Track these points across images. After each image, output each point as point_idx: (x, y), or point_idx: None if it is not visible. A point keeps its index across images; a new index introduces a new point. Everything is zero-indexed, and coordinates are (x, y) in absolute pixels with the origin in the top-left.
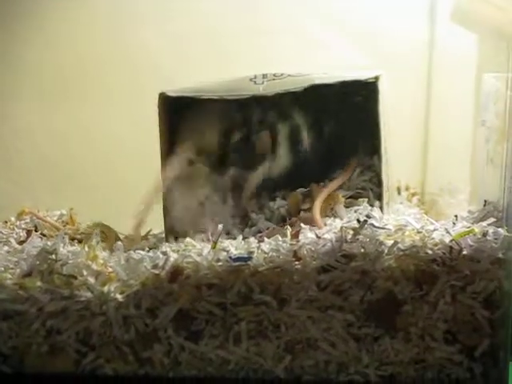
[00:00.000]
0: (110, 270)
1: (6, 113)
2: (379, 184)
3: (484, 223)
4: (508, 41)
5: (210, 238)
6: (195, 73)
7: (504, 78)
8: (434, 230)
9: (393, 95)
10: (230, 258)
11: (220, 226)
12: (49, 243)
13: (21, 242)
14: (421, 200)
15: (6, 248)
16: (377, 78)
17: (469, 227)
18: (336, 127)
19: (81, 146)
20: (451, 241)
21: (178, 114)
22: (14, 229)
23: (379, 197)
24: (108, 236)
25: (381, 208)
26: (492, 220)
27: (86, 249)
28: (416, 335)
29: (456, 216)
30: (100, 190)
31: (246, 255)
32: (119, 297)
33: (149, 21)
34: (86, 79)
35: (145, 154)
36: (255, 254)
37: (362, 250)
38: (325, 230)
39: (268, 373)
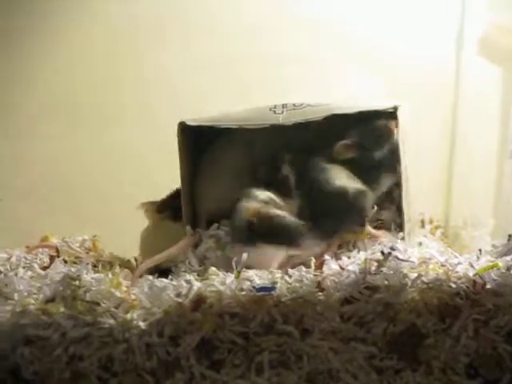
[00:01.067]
0: (134, 297)
1: (28, 138)
2: (400, 214)
3: (508, 258)
4: None
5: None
6: (213, 101)
7: None
8: (458, 263)
9: (417, 126)
10: (254, 287)
11: (245, 255)
12: (72, 269)
13: (44, 268)
14: (444, 233)
15: (29, 273)
16: (396, 108)
17: (493, 261)
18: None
19: (102, 172)
20: (475, 275)
21: (198, 143)
22: (37, 254)
23: (400, 227)
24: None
25: (402, 238)
26: None
27: (110, 276)
28: (438, 368)
29: (480, 250)
30: (122, 217)
31: (269, 285)
32: (142, 324)
33: (169, 47)
34: (109, 106)
35: (168, 182)
36: (279, 284)
37: (386, 282)
38: (348, 261)
39: None
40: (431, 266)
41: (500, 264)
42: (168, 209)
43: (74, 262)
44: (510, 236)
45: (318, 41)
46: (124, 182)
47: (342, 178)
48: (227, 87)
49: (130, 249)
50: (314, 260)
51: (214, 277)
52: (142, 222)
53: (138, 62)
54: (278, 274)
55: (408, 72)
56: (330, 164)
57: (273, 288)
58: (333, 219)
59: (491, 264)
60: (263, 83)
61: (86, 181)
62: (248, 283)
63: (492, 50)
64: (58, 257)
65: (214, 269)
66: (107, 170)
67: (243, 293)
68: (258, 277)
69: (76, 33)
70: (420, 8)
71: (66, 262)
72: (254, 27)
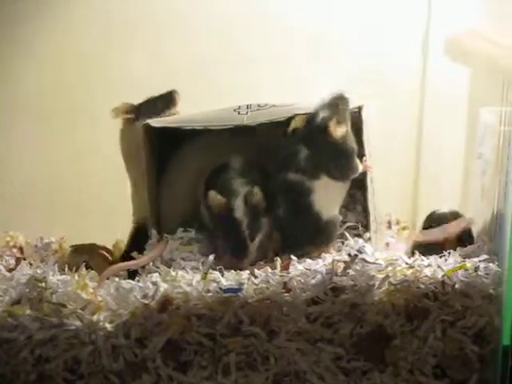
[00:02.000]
0: (100, 299)
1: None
2: (366, 215)
3: (476, 259)
4: (502, 75)
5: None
6: (184, 102)
7: (498, 113)
8: (426, 265)
9: (384, 127)
10: (221, 288)
11: (211, 257)
12: (38, 271)
13: (10, 270)
14: (413, 235)
15: None
16: (360, 108)
17: (460, 262)
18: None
19: (73, 174)
20: (443, 276)
21: (162, 144)
22: (2, 256)
23: (366, 228)
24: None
25: (369, 239)
26: (484, 256)
27: (76, 277)
28: (405, 369)
29: (449, 252)
30: (91, 216)
31: (236, 286)
32: (108, 326)
33: (139, 49)
34: (75, 106)
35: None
36: (245, 285)
37: (352, 283)
38: (316, 262)
39: None
40: (399, 268)
41: (468, 265)
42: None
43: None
44: (477, 237)
45: (286, 41)
46: (94, 184)
47: (319, 200)
48: (197, 88)
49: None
50: (279, 261)
51: (180, 278)
52: (113, 222)
53: (108, 65)
54: (245, 275)
55: (374, 72)
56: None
57: (239, 289)
58: (300, 238)
59: (459, 265)
60: (233, 84)
61: (57, 182)
62: (215, 284)
63: (459, 52)
64: (24, 259)
65: (180, 271)
66: (78, 172)
67: (210, 294)
68: (224, 278)
69: (46, 36)
70: (386, 8)
71: (31, 264)
72: (224, 28)
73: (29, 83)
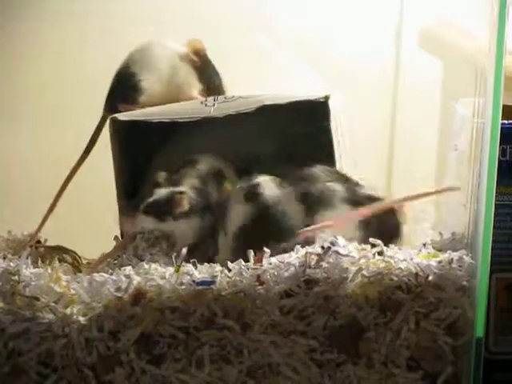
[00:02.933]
0: (73, 292)
1: None
2: None
3: (449, 251)
4: (475, 67)
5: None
6: None
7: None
8: (399, 257)
9: (356, 119)
10: (194, 281)
11: (184, 250)
12: (11, 264)
13: None
14: None
15: None
16: (327, 98)
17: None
18: (288, 148)
19: (44, 171)
20: (417, 264)
21: (130, 138)
22: None
23: None
24: (69, 260)
25: None
26: (459, 248)
27: (49, 270)
28: (379, 362)
29: (424, 244)
30: (64, 213)
31: (209, 279)
32: (82, 319)
33: (113, 44)
34: (44, 100)
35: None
36: (218, 278)
37: (325, 275)
38: (289, 255)
39: None
40: (372, 260)
41: (439, 255)
42: None
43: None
44: (453, 233)
45: (256, 33)
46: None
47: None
48: None
49: (73, 246)
50: (252, 253)
51: (153, 271)
52: (83, 218)
53: (82, 60)
54: (218, 268)
55: (346, 62)
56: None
57: (213, 282)
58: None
59: (432, 253)
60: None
61: (26, 179)
62: (188, 277)
63: (434, 44)
64: None
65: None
66: (48, 169)
67: (183, 287)
68: (197, 271)
69: (21, 32)
70: None
71: (4, 257)
72: (198, 22)
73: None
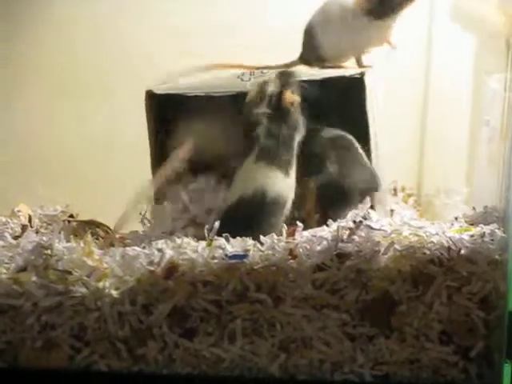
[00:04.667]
0: (106, 266)
1: (4, 109)
2: None
3: (482, 225)
4: (507, 42)
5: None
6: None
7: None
8: (432, 231)
9: (390, 94)
10: (226, 255)
11: (216, 224)
12: (44, 238)
13: (16, 237)
14: (417, 201)
15: (0, 243)
16: (362, 74)
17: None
18: (324, 123)
19: (75, 142)
20: (449, 237)
21: (165, 111)
22: (8, 223)
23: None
24: (102, 234)
25: (371, 207)
26: (491, 222)
27: (82, 244)
28: (411, 335)
29: (456, 218)
30: (95, 186)
31: (241, 253)
32: (114, 293)
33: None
34: (79, 77)
35: (138, 150)
36: (251, 252)
37: (357, 249)
38: (322, 229)
39: (262, 371)
40: (404, 234)
41: (472, 229)
42: None
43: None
44: (485, 207)
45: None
46: (98, 152)
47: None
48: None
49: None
50: (285, 227)
51: (186, 245)
52: (117, 193)
53: (117, 34)
54: (250, 242)
55: None
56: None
57: (245, 256)
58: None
59: (465, 227)
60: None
61: (61, 153)
62: (220, 251)
63: (465, 16)
64: (31, 226)
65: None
66: (83, 143)
67: (215, 261)
68: (230, 245)
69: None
70: None
71: (37, 231)
72: None
73: (35, 57)
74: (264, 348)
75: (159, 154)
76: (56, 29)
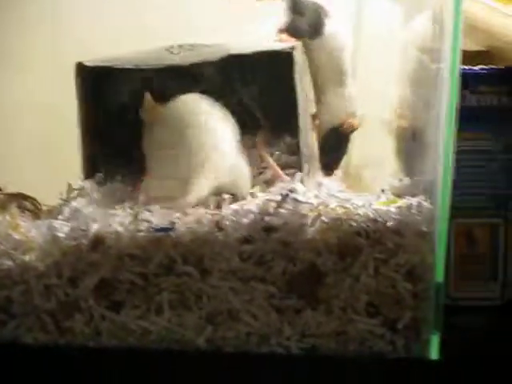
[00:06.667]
0: (32, 239)
1: None
2: (298, 154)
3: (408, 197)
4: (434, 12)
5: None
6: (112, 45)
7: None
8: (358, 203)
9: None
10: (153, 228)
11: (141, 197)
12: None
13: None
14: (345, 173)
15: None
16: (293, 48)
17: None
18: (252, 97)
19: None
20: (375, 210)
21: (95, 84)
22: None
23: (299, 167)
24: (29, 206)
25: (301, 180)
26: (417, 194)
27: (8, 217)
28: (338, 307)
29: (383, 190)
30: (22, 158)
31: (168, 225)
32: (40, 266)
33: None
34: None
35: (66, 124)
36: (177, 225)
37: (284, 222)
38: (248, 201)
39: (189, 344)
40: (331, 206)
41: (398, 201)
42: None
43: None
44: (413, 177)
45: None
46: (28, 126)
47: None
48: (126, 30)
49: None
50: (212, 200)
51: (112, 218)
52: (40, 160)
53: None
54: (177, 214)
55: None
56: None
57: (171, 228)
58: None
59: (391, 200)
60: (160, 25)
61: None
62: (146, 224)
63: None
64: None
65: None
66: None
67: (142, 234)
68: (156, 218)
69: None
70: None
71: None
72: None
73: None
74: (191, 320)
75: (91, 126)
76: None
